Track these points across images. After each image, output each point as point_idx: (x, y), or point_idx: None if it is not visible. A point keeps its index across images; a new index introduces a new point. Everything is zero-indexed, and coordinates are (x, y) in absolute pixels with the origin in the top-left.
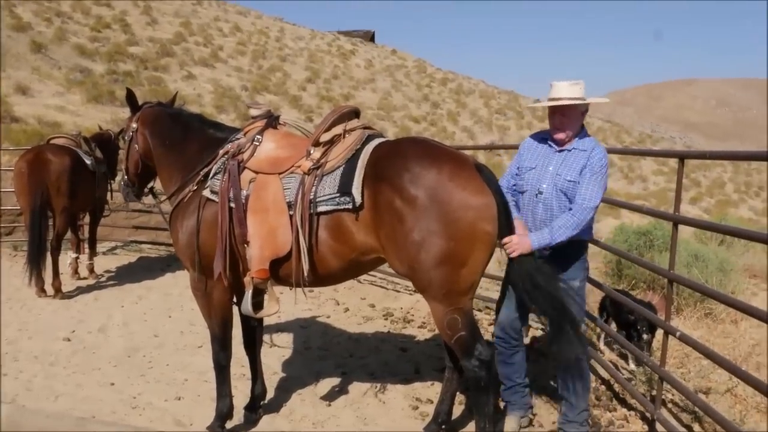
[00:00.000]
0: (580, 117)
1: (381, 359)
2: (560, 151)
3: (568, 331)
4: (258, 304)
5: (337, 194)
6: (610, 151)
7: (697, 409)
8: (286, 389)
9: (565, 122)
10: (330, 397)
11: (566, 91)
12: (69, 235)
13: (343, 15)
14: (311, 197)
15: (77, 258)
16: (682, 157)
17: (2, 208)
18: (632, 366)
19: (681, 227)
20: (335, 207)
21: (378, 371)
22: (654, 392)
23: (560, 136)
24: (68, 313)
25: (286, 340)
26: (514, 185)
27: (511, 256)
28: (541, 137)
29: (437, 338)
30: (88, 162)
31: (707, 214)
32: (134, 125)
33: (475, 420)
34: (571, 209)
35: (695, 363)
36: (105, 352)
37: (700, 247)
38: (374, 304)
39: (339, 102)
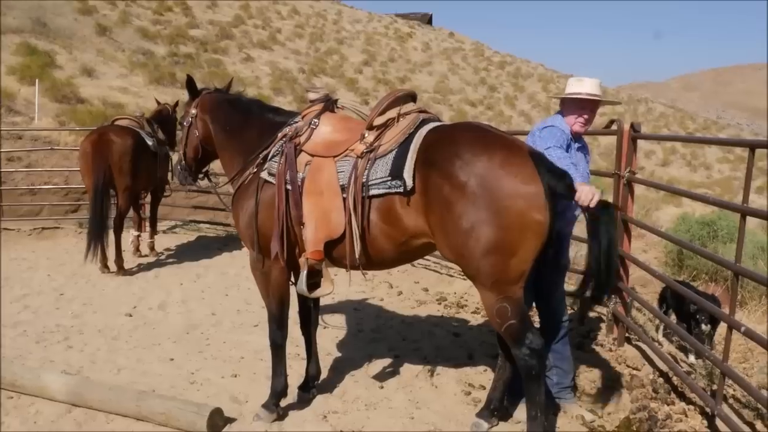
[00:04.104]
0: None
1: (434, 343)
2: (579, 149)
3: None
4: (314, 285)
5: (389, 178)
6: (674, 138)
7: (760, 406)
8: (339, 370)
9: (591, 119)
10: (382, 379)
11: (598, 90)
12: (131, 213)
13: None
14: (364, 180)
15: (139, 236)
16: (752, 146)
17: (69, 186)
18: (692, 359)
19: (748, 218)
20: (387, 190)
21: (431, 355)
22: (714, 387)
23: (582, 130)
24: (130, 290)
25: (339, 321)
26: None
27: (593, 205)
28: (566, 127)
29: (491, 324)
30: (149, 143)
31: None
32: (194, 111)
33: (526, 408)
34: None
35: (759, 358)
36: (165, 329)
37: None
38: (428, 288)
39: (395, 85)
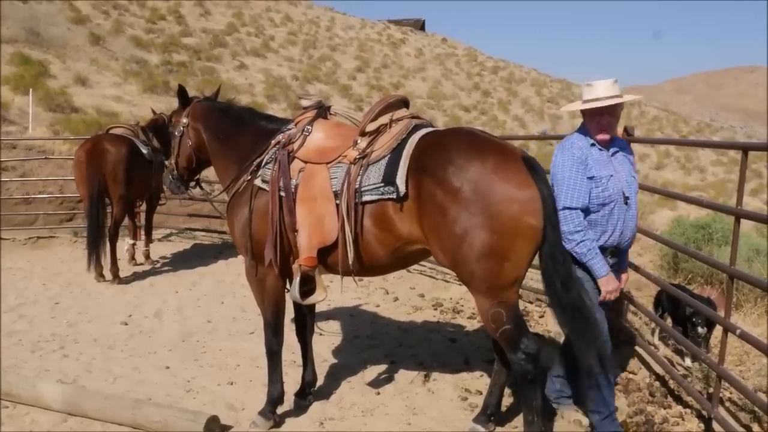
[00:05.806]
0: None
1: (430, 349)
2: (613, 154)
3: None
4: (308, 292)
5: (382, 184)
6: (667, 141)
7: (756, 408)
8: (335, 377)
9: (613, 123)
10: (379, 385)
11: (613, 90)
12: (126, 222)
13: (394, 4)
14: (357, 186)
15: (134, 244)
16: (745, 148)
17: (63, 195)
18: (688, 362)
19: (742, 221)
20: (380, 196)
21: (427, 361)
22: (711, 390)
23: (607, 137)
24: (125, 298)
25: (335, 328)
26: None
27: (611, 298)
28: (583, 143)
29: (486, 330)
30: (144, 151)
31: None
32: (185, 120)
33: (523, 413)
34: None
35: (755, 361)
36: (160, 337)
37: (762, 242)
38: (424, 294)
39: (389, 91)
